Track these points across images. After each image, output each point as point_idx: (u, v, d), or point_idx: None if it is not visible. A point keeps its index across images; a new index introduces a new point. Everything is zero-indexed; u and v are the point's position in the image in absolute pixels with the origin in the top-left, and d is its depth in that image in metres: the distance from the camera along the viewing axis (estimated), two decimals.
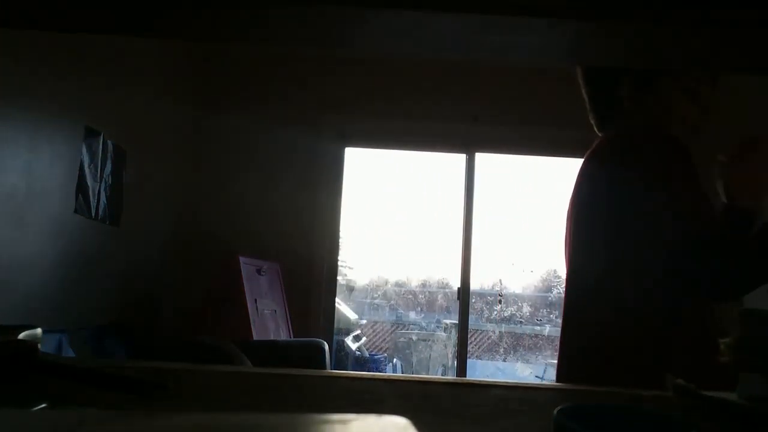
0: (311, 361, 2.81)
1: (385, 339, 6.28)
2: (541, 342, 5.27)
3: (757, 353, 0.68)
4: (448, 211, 3.72)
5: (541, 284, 5.21)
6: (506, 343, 5.58)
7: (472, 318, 3.82)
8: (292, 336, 3.39)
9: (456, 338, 3.90)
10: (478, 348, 5.70)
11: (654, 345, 1.16)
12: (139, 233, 2.93)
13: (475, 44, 0.72)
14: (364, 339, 5.73)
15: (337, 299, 3.76)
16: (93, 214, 2.45)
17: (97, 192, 2.48)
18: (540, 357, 5.25)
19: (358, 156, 3.93)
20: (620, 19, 0.64)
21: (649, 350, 1.15)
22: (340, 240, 3.75)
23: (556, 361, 1.33)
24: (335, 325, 3.78)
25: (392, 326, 6.31)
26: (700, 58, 0.74)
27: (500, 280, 5.16)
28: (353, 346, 5.21)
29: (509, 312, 5.37)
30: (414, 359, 5.50)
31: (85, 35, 2.11)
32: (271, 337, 3.13)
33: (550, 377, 4.78)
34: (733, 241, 1.12)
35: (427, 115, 3.66)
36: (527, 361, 5.28)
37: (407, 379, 0.91)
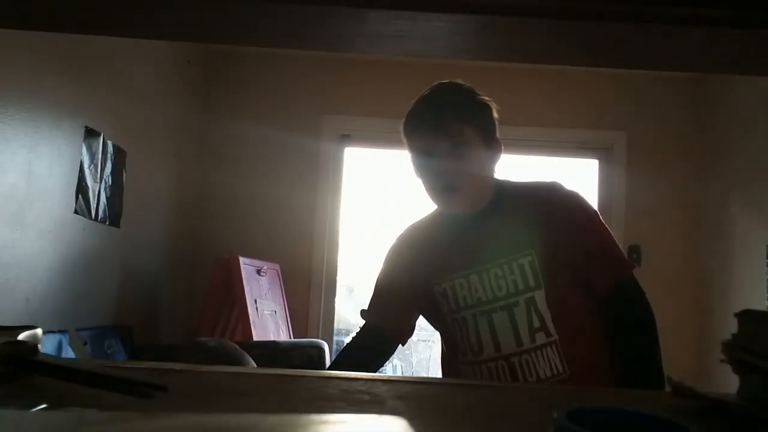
0: (311, 361, 2.81)
1: None
2: None
3: (757, 353, 0.67)
4: None
5: None
6: None
7: None
8: (292, 336, 3.39)
9: None
10: None
11: None
12: (139, 233, 2.93)
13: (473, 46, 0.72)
14: None
15: (336, 299, 3.76)
16: (93, 215, 2.45)
17: (97, 192, 2.48)
18: None
19: (358, 156, 3.92)
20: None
21: None
22: (340, 240, 3.75)
23: None
24: (335, 326, 3.78)
25: None
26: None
27: None
28: None
29: None
30: (414, 360, 5.49)
31: (84, 35, 2.11)
32: (271, 338, 3.13)
33: None
34: None
35: None
36: None
37: (407, 379, 0.91)
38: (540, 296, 1.21)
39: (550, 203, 1.30)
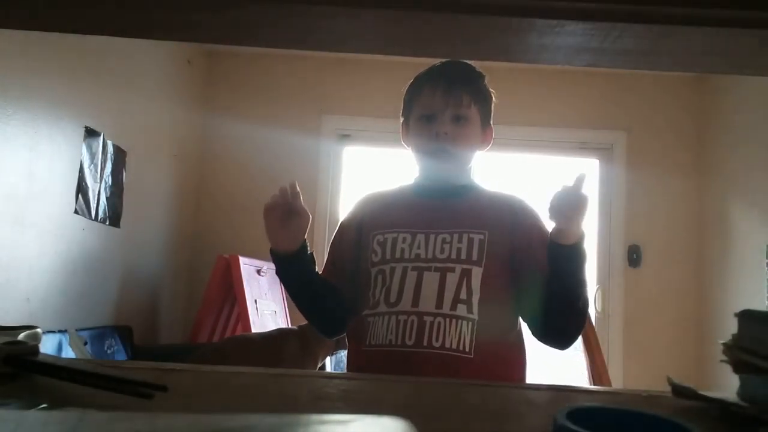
0: None
1: None
2: None
3: (757, 353, 0.67)
4: None
5: None
6: None
7: None
8: None
9: None
10: None
11: None
12: (139, 233, 2.93)
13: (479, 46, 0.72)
14: None
15: None
16: (93, 215, 2.45)
17: (97, 192, 2.48)
18: None
19: (358, 155, 3.92)
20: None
21: None
22: None
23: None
24: None
25: None
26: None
27: None
28: None
29: None
30: None
31: (84, 35, 2.11)
32: None
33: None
34: None
35: None
36: None
37: (406, 379, 0.91)
38: (477, 273, 1.21)
39: (512, 201, 1.35)
